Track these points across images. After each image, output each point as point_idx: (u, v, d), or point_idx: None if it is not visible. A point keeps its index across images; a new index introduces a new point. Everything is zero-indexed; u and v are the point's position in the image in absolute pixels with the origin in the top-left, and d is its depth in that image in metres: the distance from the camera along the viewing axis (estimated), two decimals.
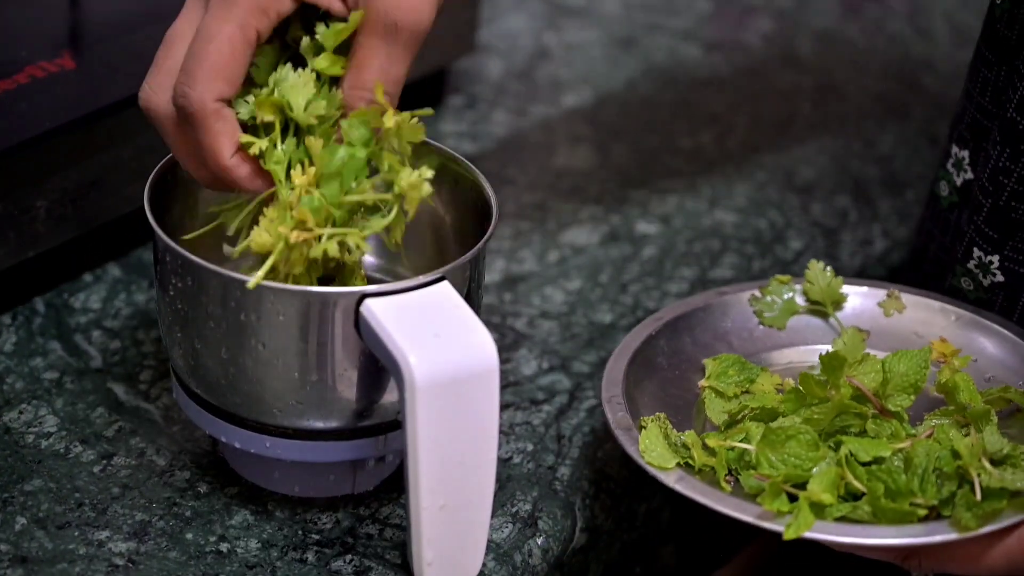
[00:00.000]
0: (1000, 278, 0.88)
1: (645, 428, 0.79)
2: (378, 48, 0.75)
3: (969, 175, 0.89)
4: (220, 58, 0.73)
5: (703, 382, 0.85)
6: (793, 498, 0.75)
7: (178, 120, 0.75)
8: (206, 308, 0.75)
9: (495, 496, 0.77)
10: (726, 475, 0.78)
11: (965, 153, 0.89)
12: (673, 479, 0.77)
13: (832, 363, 0.80)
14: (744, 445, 0.79)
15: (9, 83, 0.89)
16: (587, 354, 0.95)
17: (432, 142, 0.83)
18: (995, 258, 0.88)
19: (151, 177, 0.78)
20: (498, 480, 0.79)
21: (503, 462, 0.86)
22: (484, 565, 0.79)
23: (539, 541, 0.83)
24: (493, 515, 0.80)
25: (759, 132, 1.19)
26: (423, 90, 1.14)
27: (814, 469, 0.77)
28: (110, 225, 0.93)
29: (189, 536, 0.80)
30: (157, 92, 0.75)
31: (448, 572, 0.77)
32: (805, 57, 1.30)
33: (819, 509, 0.75)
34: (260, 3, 0.74)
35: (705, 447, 0.79)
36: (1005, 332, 0.87)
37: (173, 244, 0.75)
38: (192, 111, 0.73)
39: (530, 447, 0.88)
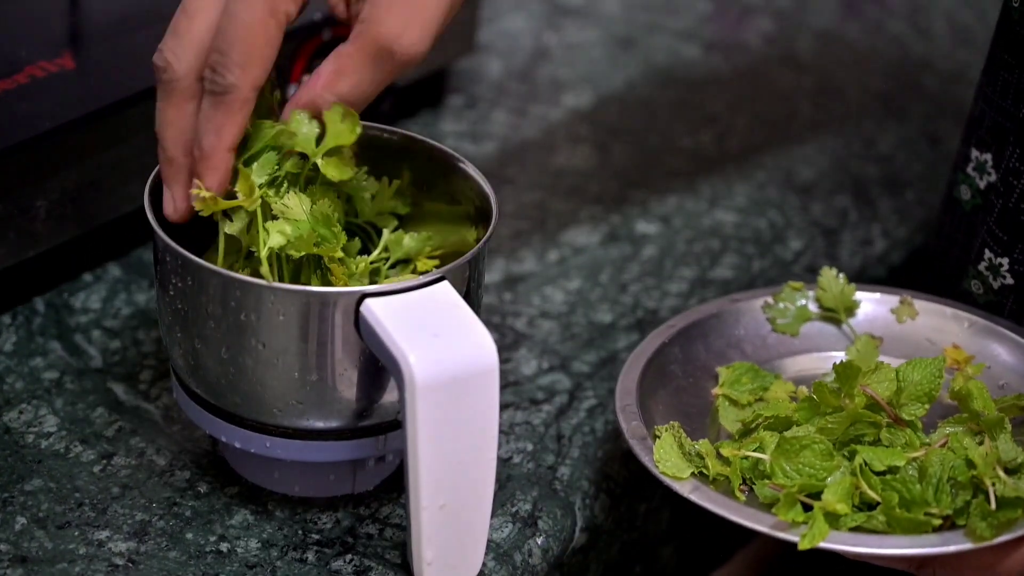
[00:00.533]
0: (1010, 281, 0.88)
1: (659, 437, 0.79)
2: (363, 66, 0.74)
3: (993, 178, 0.88)
4: (256, 43, 0.72)
5: (716, 390, 0.85)
6: (808, 508, 0.75)
7: (190, 93, 0.74)
8: (206, 308, 0.75)
9: (495, 496, 0.77)
10: (740, 485, 0.78)
11: (988, 156, 0.88)
12: (688, 489, 0.77)
13: (846, 372, 0.80)
14: (758, 455, 0.78)
15: (9, 83, 0.89)
16: (587, 354, 0.95)
17: (432, 142, 0.83)
18: (1005, 260, 0.88)
19: (151, 177, 0.78)
20: (498, 480, 0.79)
21: (503, 462, 0.86)
22: (484, 565, 0.79)
23: (539, 541, 0.83)
24: (493, 515, 0.80)
25: (759, 132, 1.19)
26: (423, 90, 1.14)
27: (828, 479, 0.76)
28: (110, 225, 0.93)
29: (189, 536, 0.80)
30: (180, 59, 0.74)
31: (448, 572, 0.77)
32: (805, 57, 1.30)
33: (834, 519, 0.74)
34: None
35: (719, 456, 0.79)
36: (1018, 339, 0.86)
37: (173, 244, 0.75)
38: (228, 94, 0.73)
39: (530, 447, 0.88)
